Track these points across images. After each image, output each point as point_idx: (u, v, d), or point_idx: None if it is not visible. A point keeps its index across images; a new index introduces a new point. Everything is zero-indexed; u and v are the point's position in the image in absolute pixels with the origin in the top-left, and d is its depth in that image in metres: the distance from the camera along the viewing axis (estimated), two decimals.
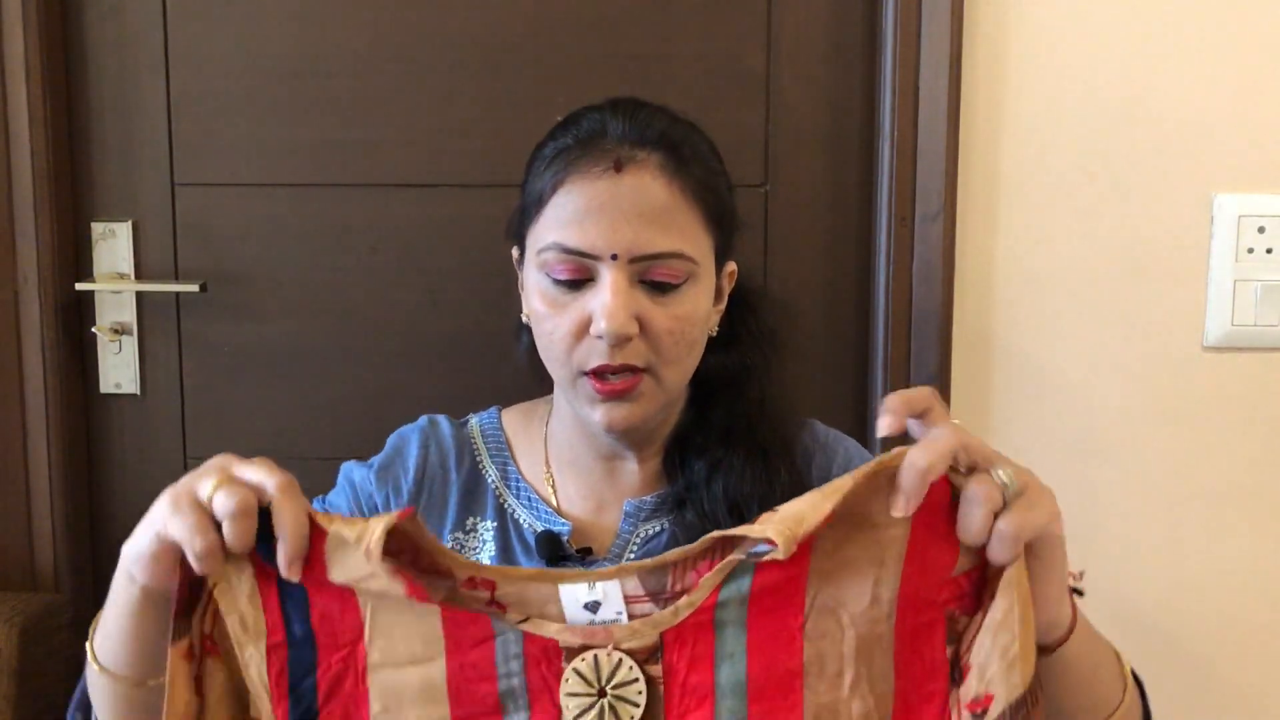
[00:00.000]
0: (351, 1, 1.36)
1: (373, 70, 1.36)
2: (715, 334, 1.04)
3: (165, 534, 0.74)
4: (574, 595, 0.75)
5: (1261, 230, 1.31)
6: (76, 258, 1.40)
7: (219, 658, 0.77)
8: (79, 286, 1.39)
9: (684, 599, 0.74)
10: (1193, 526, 1.37)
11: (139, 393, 1.42)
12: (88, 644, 0.86)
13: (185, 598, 0.75)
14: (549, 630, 0.75)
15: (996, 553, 0.71)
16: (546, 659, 0.75)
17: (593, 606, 0.75)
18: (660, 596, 0.75)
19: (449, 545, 1.02)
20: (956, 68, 1.29)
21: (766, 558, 0.72)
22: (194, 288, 1.37)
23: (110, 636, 0.83)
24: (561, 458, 1.07)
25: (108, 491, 1.44)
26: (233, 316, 1.40)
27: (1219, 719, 1.40)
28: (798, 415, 1.10)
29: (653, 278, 0.95)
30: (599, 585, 0.75)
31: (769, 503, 0.96)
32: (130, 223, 1.40)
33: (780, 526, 0.70)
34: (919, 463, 0.70)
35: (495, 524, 1.06)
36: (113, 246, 1.40)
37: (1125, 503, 1.37)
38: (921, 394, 0.75)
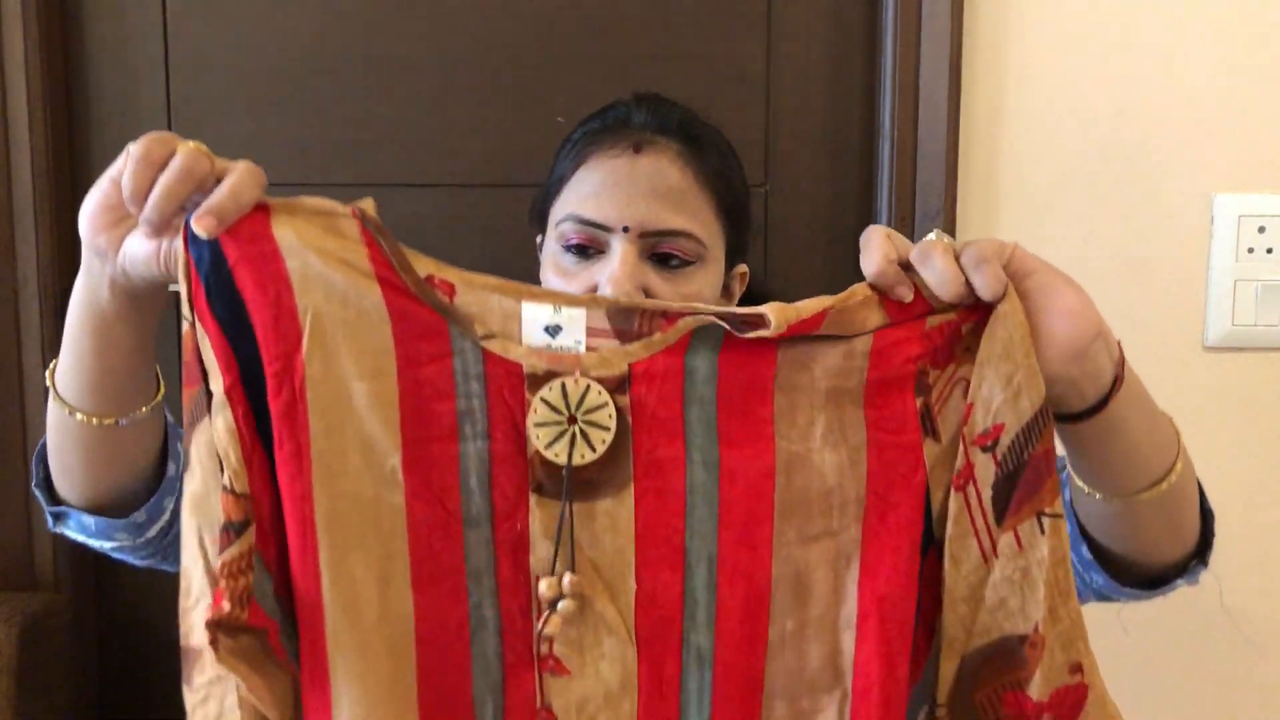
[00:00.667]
0: (351, 2, 1.35)
1: (373, 70, 1.36)
2: None
3: (114, 175, 0.73)
4: (535, 315, 0.72)
5: (1261, 230, 1.31)
6: (76, 258, 1.40)
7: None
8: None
9: (656, 336, 0.72)
10: None
11: None
12: (47, 375, 0.83)
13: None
14: (514, 353, 0.72)
15: (982, 287, 0.70)
16: (510, 385, 0.72)
17: (553, 330, 0.72)
18: (625, 334, 0.73)
19: None
20: (956, 68, 1.29)
21: (750, 335, 0.71)
22: None
23: (77, 365, 0.80)
24: None
25: None
26: None
27: (1219, 718, 1.40)
28: None
29: (662, 251, 0.96)
30: (564, 310, 0.72)
31: None
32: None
33: (775, 311, 0.71)
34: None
35: None
36: None
37: None
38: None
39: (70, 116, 1.38)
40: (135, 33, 1.37)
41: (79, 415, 0.82)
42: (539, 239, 1.07)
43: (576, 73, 1.35)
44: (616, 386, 0.72)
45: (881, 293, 0.72)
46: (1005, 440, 0.70)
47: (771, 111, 1.36)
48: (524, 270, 1.10)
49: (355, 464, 0.71)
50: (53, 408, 0.83)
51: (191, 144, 0.72)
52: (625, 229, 0.96)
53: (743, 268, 1.07)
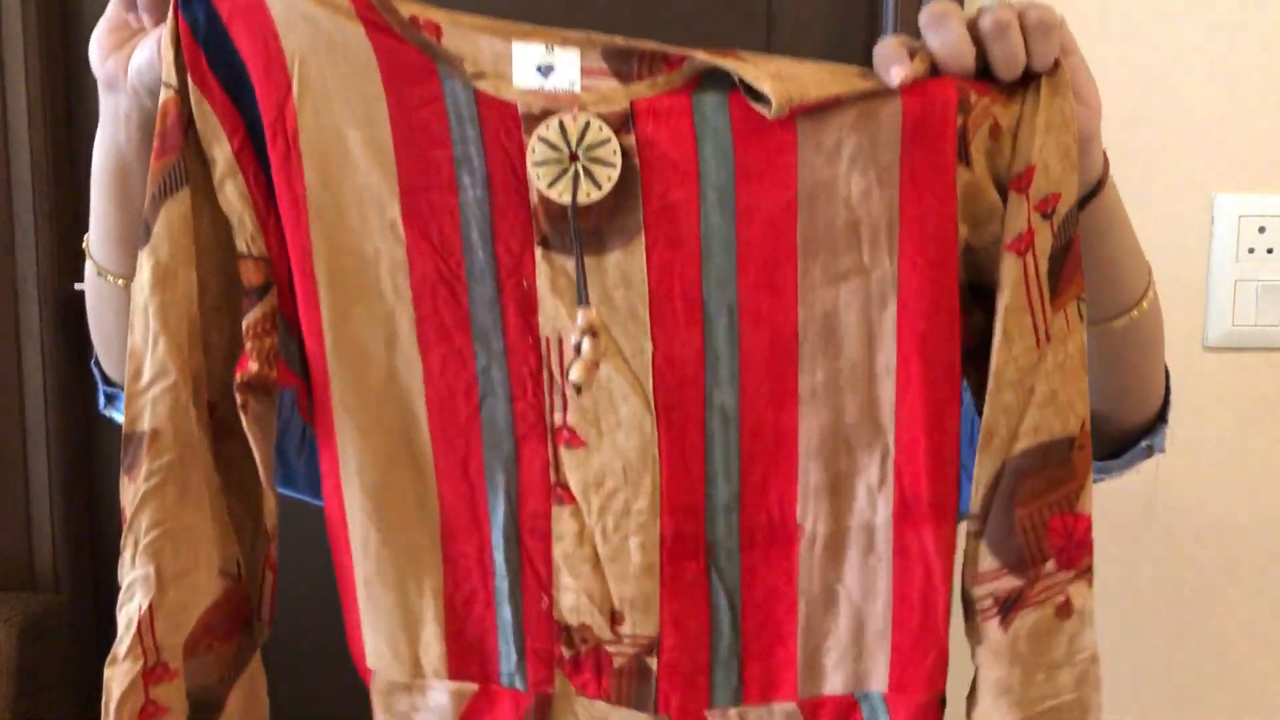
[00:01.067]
0: None
1: None
2: None
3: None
4: (527, 55, 0.66)
5: (1262, 230, 1.31)
6: (76, 258, 1.40)
7: (196, 190, 0.68)
8: (79, 287, 1.39)
9: (660, 78, 0.66)
10: (1192, 526, 1.37)
11: None
12: (84, 243, 0.79)
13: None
14: (507, 93, 0.66)
15: (1042, 54, 0.64)
16: (505, 128, 0.66)
17: (545, 70, 0.67)
18: (623, 75, 0.67)
19: None
20: None
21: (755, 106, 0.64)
22: None
23: (104, 218, 0.77)
24: None
25: (107, 492, 1.43)
26: None
27: (1221, 717, 1.40)
28: None
29: None
30: (557, 50, 0.67)
31: None
32: None
33: (778, 84, 0.62)
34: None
35: None
36: None
37: (1125, 502, 1.37)
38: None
39: (70, 116, 1.38)
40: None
41: (109, 277, 0.77)
42: None
43: None
44: (620, 124, 0.66)
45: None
46: (1062, 210, 0.65)
47: None
48: None
49: (354, 216, 0.68)
50: (90, 276, 0.80)
51: None
52: None
53: None
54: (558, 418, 0.69)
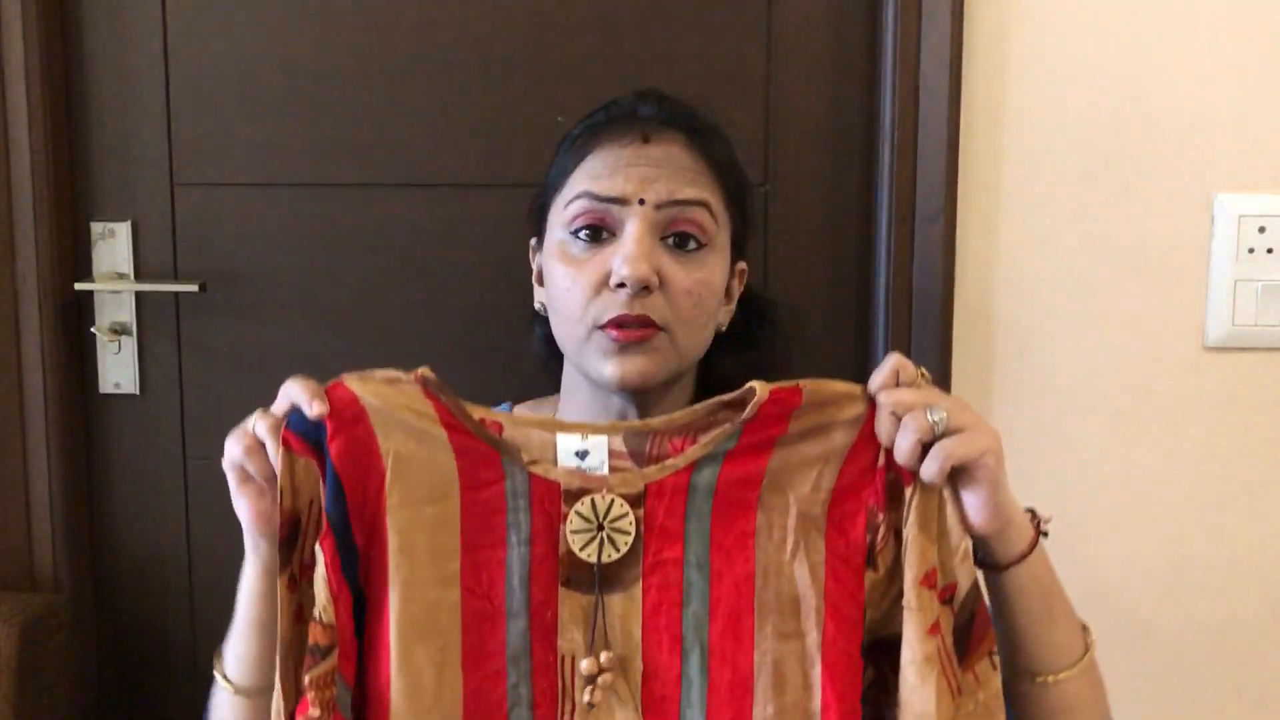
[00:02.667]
0: (352, 3, 1.36)
1: (373, 70, 1.36)
2: (724, 329, 1.04)
3: (231, 456, 0.88)
4: (568, 444, 0.89)
5: (1262, 230, 1.31)
6: (76, 258, 1.40)
7: (309, 581, 0.86)
8: (78, 286, 1.39)
9: (669, 461, 0.88)
10: (1193, 526, 1.37)
11: (139, 393, 1.42)
12: (216, 672, 0.93)
13: (285, 537, 0.85)
14: (553, 474, 0.88)
15: (924, 471, 0.84)
16: (550, 498, 0.88)
17: (582, 454, 0.89)
18: (640, 456, 0.90)
19: None
20: (956, 68, 1.29)
21: (743, 417, 0.87)
22: (193, 288, 1.37)
23: (243, 639, 0.91)
24: None
25: (108, 491, 1.44)
26: (232, 316, 1.40)
27: (1220, 718, 1.40)
28: None
29: (677, 229, 0.96)
30: (590, 438, 0.89)
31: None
32: (130, 223, 1.40)
33: (758, 385, 0.87)
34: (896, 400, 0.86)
35: None
36: (112, 246, 1.40)
37: (1125, 503, 1.37)
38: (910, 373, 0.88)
39: (70, 116, 1.38)
40: (135, 33, 1.37)
41: (255, 697, 0.92)
42: (532, 242, 1.06)
43: (576, 73, 1.35)
44: (634, 501, 0.88)
45: (869, 400, 0.87)
46: (959, 596, 0.86)
47: (771, 111, 1.36)
48: (521, 271, 1.10)
49: (423, 572, 0.87)
50: (224, 699, 0.93)
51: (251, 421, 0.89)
52: (641, 201, 0.94)
53: (741, 265, 1.06)
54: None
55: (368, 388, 0.87)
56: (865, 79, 1.35)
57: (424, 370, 0.88)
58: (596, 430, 0.90)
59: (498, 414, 0.89)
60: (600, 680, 0.87)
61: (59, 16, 1.36)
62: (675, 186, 0.95)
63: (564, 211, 0.98)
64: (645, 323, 0.94)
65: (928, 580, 0.85)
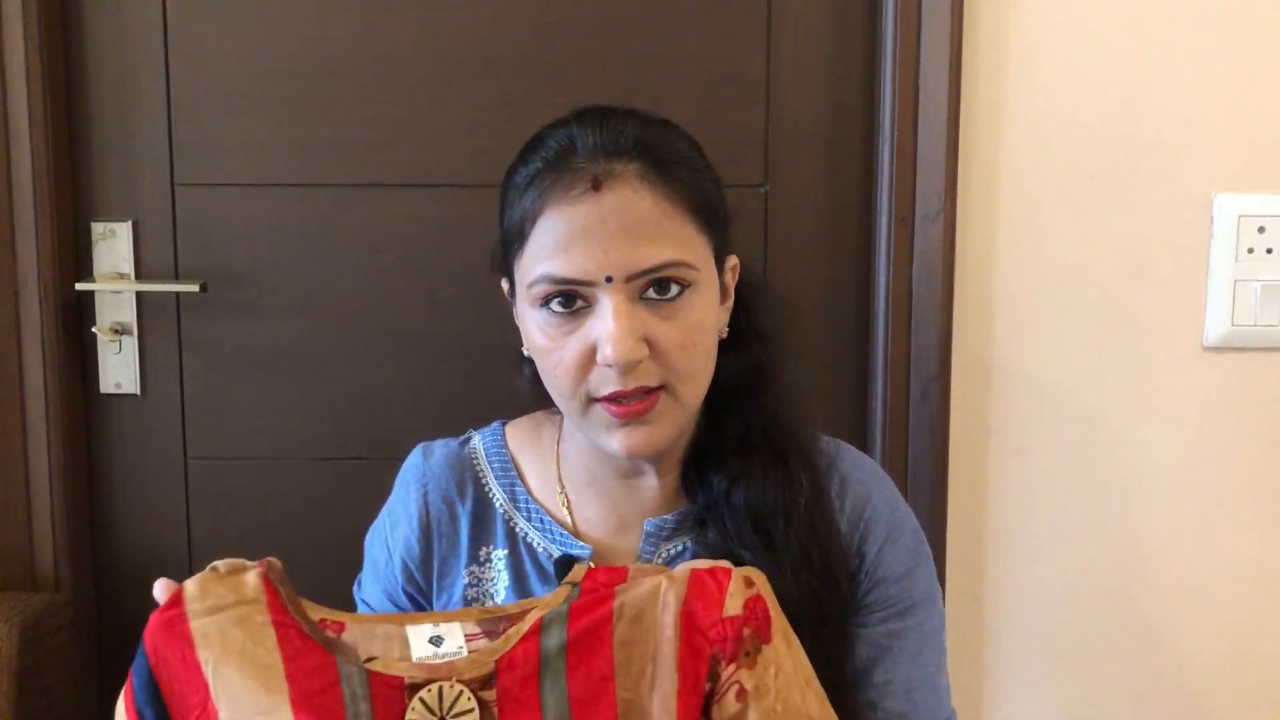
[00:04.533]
0: (351, 2, 1.36)
1: (373, 70, 1.36)
2: (725, 335, 1.00)
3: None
4: (421, 633, 0.88)
5: (1261, 230, 1.31)
6: (76, 258, 1.40)
7: None
8: (79, 287, 1.39)
9: (512, 630, 0.87)
10: (1193, 526, 1.37)
11: (139, 393, 1.42)
12: None
13: None
14: (394, 668, 0.85)
15: None
16: (392, 695, 0.84)
17: (437, 641, 0.88)
18: (493, 634, 0.88)
19: (465, 581, 1.03)
20: (956, 68, 1.29)
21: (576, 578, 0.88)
22: (194, 288, 1.37)
23: None
24: (576, 479, 1.03)
25: (108, 491, 1.44)
26: (233, 316, 1.40)
27: (1219, 718, 1.40)
28: (807, 419, 1.06)
29: (655, 281, 0.90)
30: (443, 625, 0.88)
31: (793, 512, 0.98)
32: (130, 223, 1.40)
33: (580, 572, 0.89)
34: None
35: (506, 550, 1.03)
36: (113, 246, 1.40)
37: (1125, 503, 1.37)
38: None
39: (70, 116, 1.38)
40: (135, 33, 1.37)
41: None
42: (504, 284, 1.01)
43: (576, 73, 1.35)
44: (484, 683, 0.85)
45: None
46: None
47: (771, 111, 1.36)
48: None
49: None
50: None
51: None
52: (608, 279, 0.88)
53: (733, 260, 1.01)
54: None
55: (202, 587, 0.86)
56: (865, 79, 1.35)
57: (271, 559, 0.88)
58: (448, 618, 0.89)
59: (342, 614, 0.88)
60: None
61: (60, 17, 1.36)
62: (641, 252, 0.88)
63: (529, 291, 0.92)
64: (644, 392, 0.91)
65: None
